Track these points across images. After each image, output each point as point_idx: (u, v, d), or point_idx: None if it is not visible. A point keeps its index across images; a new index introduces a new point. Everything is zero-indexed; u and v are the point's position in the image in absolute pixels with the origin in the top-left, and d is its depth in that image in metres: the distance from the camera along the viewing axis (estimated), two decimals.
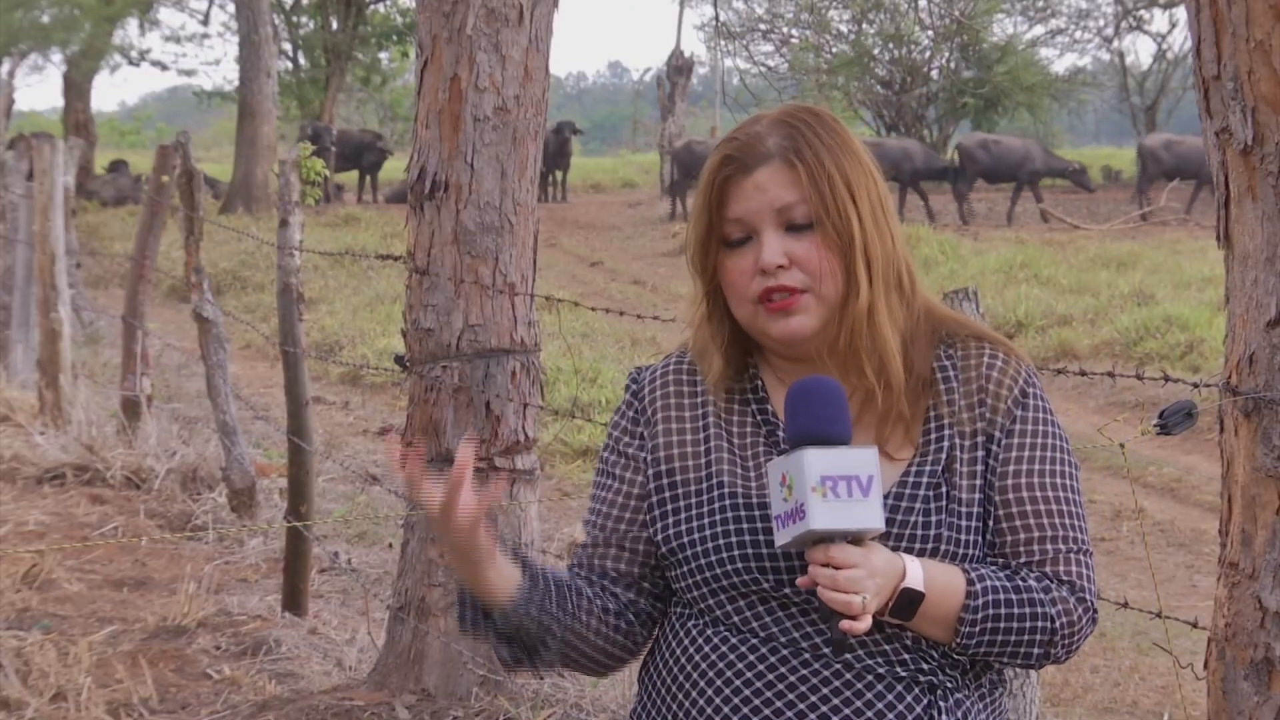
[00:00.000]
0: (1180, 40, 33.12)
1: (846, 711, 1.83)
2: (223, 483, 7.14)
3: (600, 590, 1.97)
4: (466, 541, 1.83)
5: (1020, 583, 1.86)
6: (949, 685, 1.88)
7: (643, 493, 1.96)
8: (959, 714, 1.88)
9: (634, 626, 1.98)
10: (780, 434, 1.91)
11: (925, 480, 1.88)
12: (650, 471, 1.96)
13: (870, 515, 1.74)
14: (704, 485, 1.92)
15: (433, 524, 1.83)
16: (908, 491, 1.87)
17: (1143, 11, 33.27)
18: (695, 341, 1.97)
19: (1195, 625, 2.64)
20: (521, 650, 1.92)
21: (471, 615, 1.91)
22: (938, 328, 1.95)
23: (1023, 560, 1.89)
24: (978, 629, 1.84)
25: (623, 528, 1.97)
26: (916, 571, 1.80)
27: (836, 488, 1.73)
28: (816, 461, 1.73)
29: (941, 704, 1.86)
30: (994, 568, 1.88)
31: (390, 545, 6.85)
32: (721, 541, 1.87)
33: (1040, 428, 1.91)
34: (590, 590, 1.96)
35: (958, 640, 1.84)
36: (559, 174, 28.76)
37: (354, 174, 28.73)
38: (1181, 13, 28.61)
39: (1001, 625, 1.84)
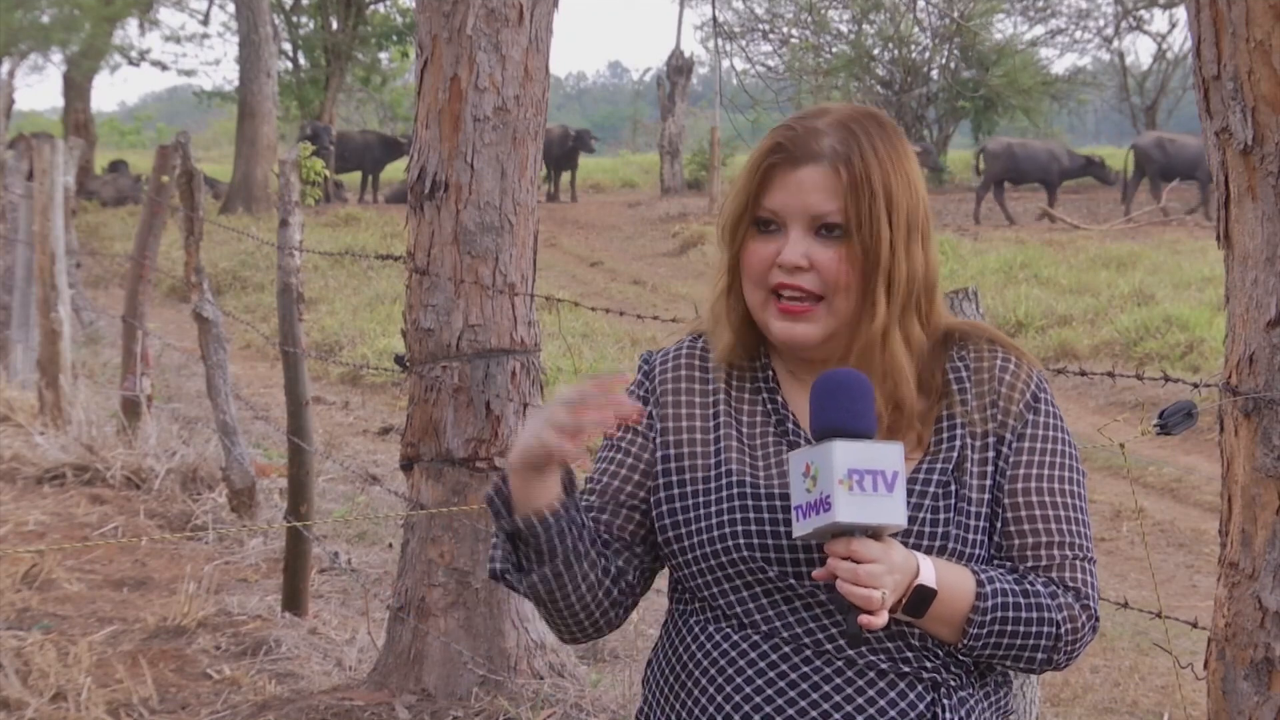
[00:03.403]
0: (1180, 40, 33.12)
1: (848, 708, 1.83)
2: (223, 483, 7.14)
3: (600, 550, 1.95)
4: (554, 444, 1.80)
5: (1028, 587, 1.87)
6: (953, 683, 1.88)
7: (648, 467, 1.95)
8: (962, 712, 1.88)
9: (620, 597, 1.95)
10: (790, 424, 1.91)
11: (935, 479, 1.88)
12: (659, 454, 1.95)
13: (894, 511, 1.74)
14: (711, 473, 1.91)
15: (550, 412, 1.80)
16: (918, 489, 1.87)
17: (1143, 11, 33.26)
18: (711, 311, 1.96)
19: (1195, 625, 2.64)
20: (517, 562, 1.89)
21: (501, 502, 1.89)
22: (950, 335, 1.95)
23: (1029, 564, 1.89)
24: (985, 631, 1.84)
25: (623, 497, 1.95)
26: (929, 569, 1.81)
27: (863, 481, 1.73)
28: (845, 454, 1.73)
29: (945, 701, 1.87)
30: (1002, 571, 1.88)
31: (390, 545, 6.85)
32: (728, 530, 1.87)
33: (1051, 433, 1.92)
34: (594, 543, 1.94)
35: (964, 641, 1.85)
36: (567, 175, 28.73)
37: (355, 173, 28.70)
38: (1181, 13, 28.62)
39: (1009, 629, 1.85)
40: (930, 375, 1.92)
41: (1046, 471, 1.90)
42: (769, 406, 1.94)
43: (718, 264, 1.95)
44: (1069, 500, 1.91)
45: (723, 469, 1.91)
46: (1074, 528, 1.90)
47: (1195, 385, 2.73)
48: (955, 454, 1.89)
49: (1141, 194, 24.43)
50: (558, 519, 1.86)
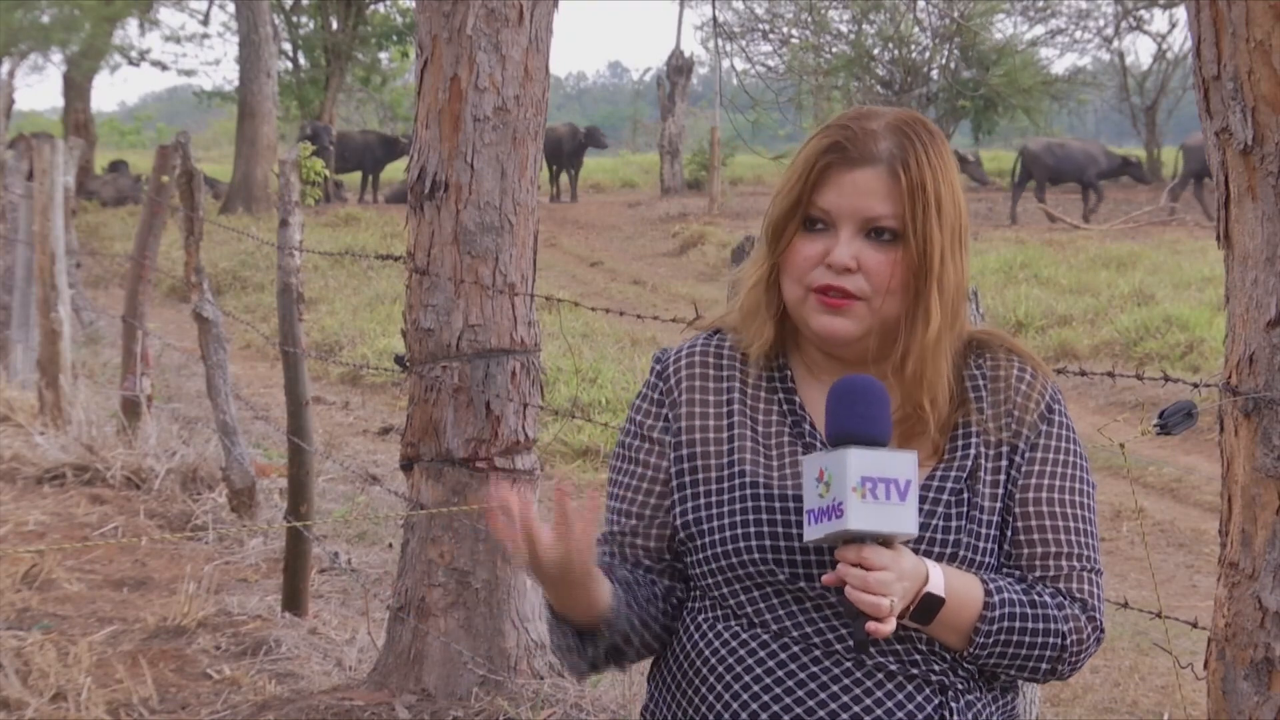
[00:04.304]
0: (1180, 40, 33.12)
1: (856, 709, 1.84)
2: (223, 483, 7.14)
3: (642, 577, 1.96)
4: (583, 570, 1.80)
5: (1036, 597, 1.87)
6: (960, 687, 1.88)
7: (667, 476, 1.95)
8: (969, 715, 1.89)
9: (675, 612, 1.96)
10: (806, 426, 1.91)
11: (949, 486, 1.88)
12: (673, 455, 1.94)
13: (906, 520, 1.74)
14: (725, 472, 1.91)
15: (540, 569, 1.79)
16: (930, 496, 1.87)
17: (1143, 11, 33.25)
18: (747, 302, 1.94)
19: (1195, 625, 2.64)
20: (609, 657, 1.91)
21: (575, 641, 1.89)
22: (969, 343, 1.95)
23: (1037, 574, 1.90)
24: (992, 640, 1.85)
25: (648, 512, 1.95)
26: (938, 577, 1.81)
27: (875, 490, 1.73)
28: (859, 461, 1.73)
29: (953, 704, 1.87)
30: (1010, 580, 1.88)
31: (390, 545, 6.85)
32: (740, 530, 1.87)
33: (1064, 444, 1.92)
34: (634, 579, 1.95)
35: (970, 649, 1.85)
36: (570, 173, 28.66)
37: (355, 173, 28.69)
38: (1181, 13, 28.61)
39: (1015, 638, 1.85)
40: (954, 379, 1.92)
41: (1058, 483, 1.91)
42: (785, 407, 1.93)
43: (756, 258, 1.93)
44: (1079, 512, 1.91)
45: (736, 469, 1.91)
46: (1083, 539, 1.91)
47: (1195, 385, 2.73)
48: (969, 462, 1.90)
49: (1141, 195, 24.44)
50: (618, 607, 1.88)
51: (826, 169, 1.86)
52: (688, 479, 1.93)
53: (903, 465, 1.75)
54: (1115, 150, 25.83)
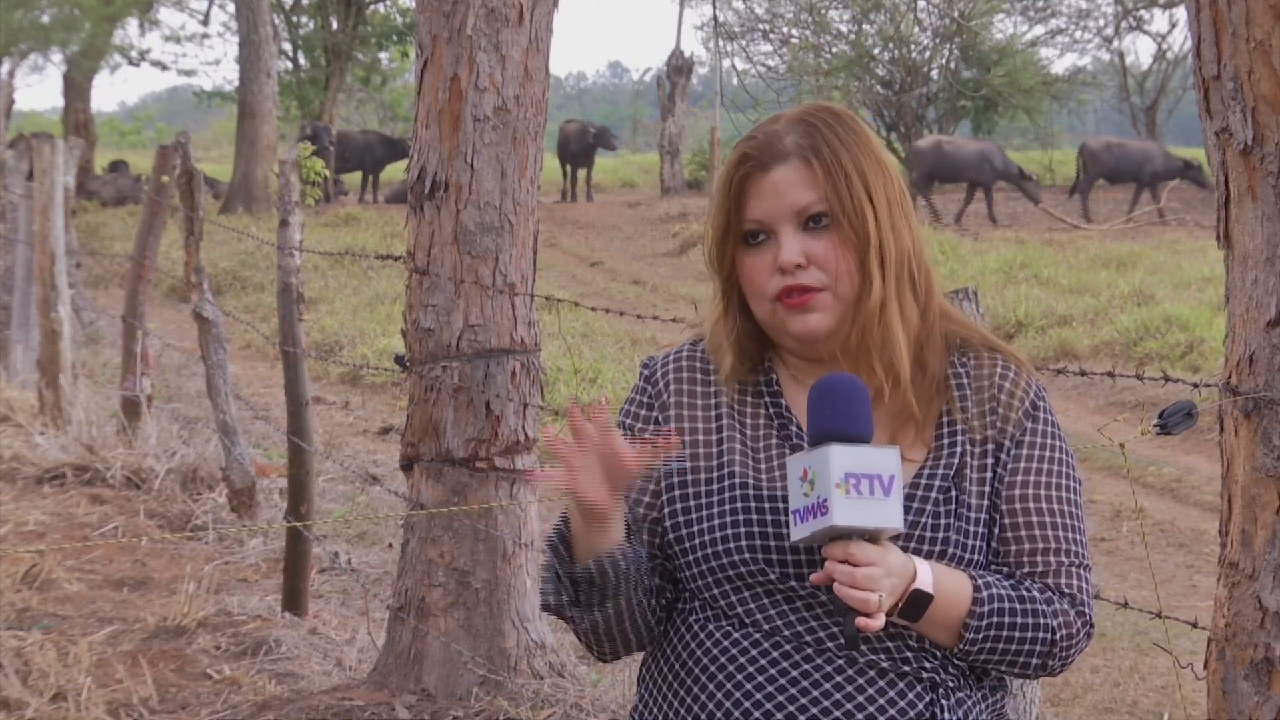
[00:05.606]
0: (1180, 40, 33.11)
1: (848, 706, 1.84)
2: (223, 483, 7.14)
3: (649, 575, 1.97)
4: (611, 491, 1.82)
5: (1024, 593, 1.88)
6: (950, 684, 1.89)
7: (657, 477, 1.96)
8: (960, 713, 1.89)
9: (661, 613, 1.97)
10: (793, 428, 1.92)
11: (937, 484, 1.89)
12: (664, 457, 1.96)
13: (891, 515, 1.75)
14: (715, 475, 1.92)
15: (580, 465, 1.81)
16: (919, 494, 1.88)
17: (1143, 11, 33.24)
18: (711, 338, 1.98)
19: (1195, 625, 2.64)
20: (575, 599, 1.90)
21: (563, 545, 1.90)
22: (953, 333, 1.96)
23: (1025, 570, 1.90)
24: (981, 636, 1.85)
25: (640, 511, 1.96)
26: (926, 574, 1.82)
27: (859, 485, 1.74)
28: (841, 458, 1.74)
29: (944, 702, 1.87)
30: (999, 576, 1.89)
31: (390, 545, 6.85)
32: (730, 532, 1.88)
33: (1049, 441, 1.94)
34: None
35: (960, 646, 1.86)
36: (575, 173, 28.57)
37: (355, 173, 28.68)
38: (1181, 13, 28.61)
39: (1004, 634, 1.86)
40: (934, 360, 1.92)
41: (1044, 479, 1.92)
42: (771, 410, 1.95)
43: (712, 294, 1.97)
44: (1065, 508, 1.92)
45: (726, 471, 1.92)
46: (1070, 535, 1.92)
47: (1195, 385, 2.73)
48: (956, 460, 1.91)
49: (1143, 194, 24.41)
50: (625, 559, 1.88)
51: (745, 181, 1.90)
52: (676, 480, 1.94)
53: (886, 460, 1.76)
54: (1175, 152, 25.44)
